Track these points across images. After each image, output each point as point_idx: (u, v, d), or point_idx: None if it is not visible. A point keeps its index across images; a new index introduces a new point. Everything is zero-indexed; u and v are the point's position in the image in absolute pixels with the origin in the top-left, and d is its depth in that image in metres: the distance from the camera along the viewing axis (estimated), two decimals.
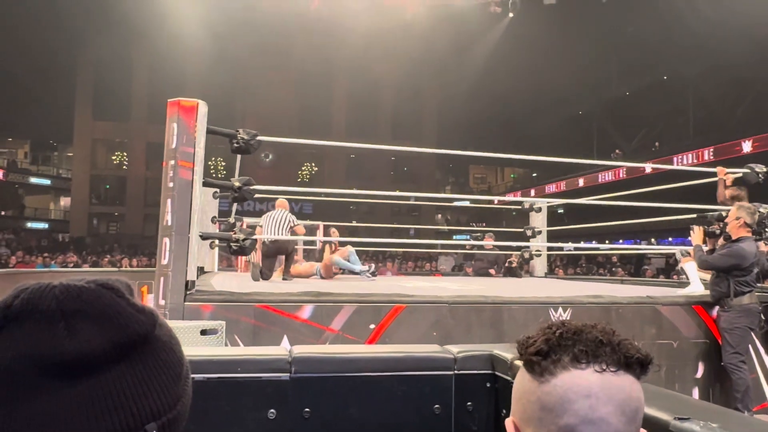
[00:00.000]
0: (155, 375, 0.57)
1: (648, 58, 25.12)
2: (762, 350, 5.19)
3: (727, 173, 5.86)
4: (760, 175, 5.80)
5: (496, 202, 21.46)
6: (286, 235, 6.95)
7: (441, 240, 17.81)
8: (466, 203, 29.89)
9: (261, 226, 7.23)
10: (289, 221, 7.05)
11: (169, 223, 4.16)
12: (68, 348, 0.52)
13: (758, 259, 4.99)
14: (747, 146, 17.93)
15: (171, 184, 4.19)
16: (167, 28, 24.97)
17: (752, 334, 5.00)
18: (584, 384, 0.68)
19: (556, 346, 0.71)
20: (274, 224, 6.99)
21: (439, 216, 36.15)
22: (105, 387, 0.53)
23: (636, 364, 0.70)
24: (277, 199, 7.64)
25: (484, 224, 28.62)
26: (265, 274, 6.89)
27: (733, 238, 5.01)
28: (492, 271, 9.93)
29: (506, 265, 9.86)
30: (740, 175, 5.97)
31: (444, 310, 4.59)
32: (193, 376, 1.67)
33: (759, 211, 5.15)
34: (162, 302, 4.09)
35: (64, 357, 0.52)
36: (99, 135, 32.63)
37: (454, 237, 27.42)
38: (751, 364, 5.04)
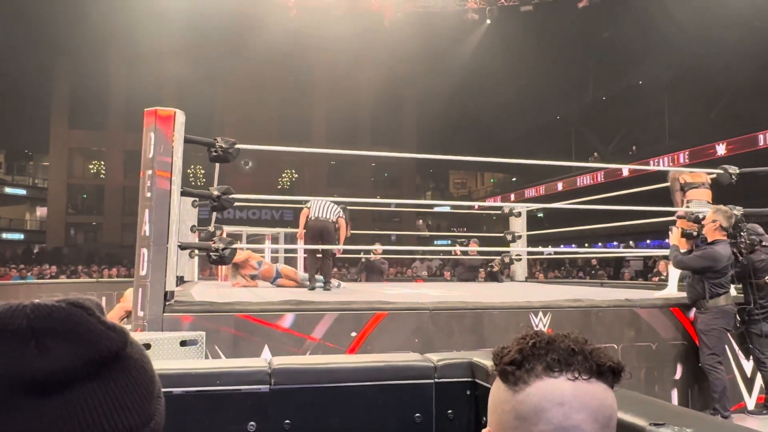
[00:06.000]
0: (127, 393, 0.57)
1: (624, 63, 25.49)
2: (738, 351, 5.28)
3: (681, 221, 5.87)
4: (733, 177, 5.91)
5: (476, 207, 21.56)
6: (333, 212, 6.64)
7: (422, 246, 17.83)
8: (447, 209, 29.98)
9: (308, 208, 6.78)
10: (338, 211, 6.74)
11: (147, 234, 4.12)
12: (39, 366, 0.52)
13: (732, 261, 5.08)
14: (721, 149, 18.24)
15: (148, 194, 4.16)
16: (145, 36, 24.78)
17: (728, 335, 5.08)
18: (557, 392, 0.69)
19: (529, 356, 0.72)
20: (323, 206, 6.67)
21: (420, 222, 36.24)
22: (76, 405, 0.53)
23: (608, 372, 0.71)
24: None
25: (465, 229, 28.76)
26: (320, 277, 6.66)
27: (709, 240, 5.09)
28: (481, 274, 10.08)
29: (487, 269, 9.93)
30: (715, 176, 6.08)
31: (425, 316, 4.60)
32: (171, 390, 1.65)
33: (734, 215, 5.24)
34: (141, 313, 4.04)
35: (35, 375, 0.52)
36: (75, 144, 32.22)
37: (435, 242, 27.50)
38: (727, 365, 5.11)
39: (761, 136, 17.58)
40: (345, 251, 8.17)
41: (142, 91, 23.00)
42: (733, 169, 5.96)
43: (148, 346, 3.31)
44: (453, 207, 27.36)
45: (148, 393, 0.59)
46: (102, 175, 33.05)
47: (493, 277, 9.76)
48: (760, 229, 5.37)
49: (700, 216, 5.49)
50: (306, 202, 6.96)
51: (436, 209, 32.65)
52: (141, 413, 0.57)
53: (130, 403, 0.56)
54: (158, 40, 24.73)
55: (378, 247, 10.30)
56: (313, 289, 6.56)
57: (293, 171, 33.80)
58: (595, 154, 28.87)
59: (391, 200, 25.74)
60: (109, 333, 0.57)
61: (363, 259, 11.29)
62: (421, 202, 32.53)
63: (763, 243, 5.29)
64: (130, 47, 26.26)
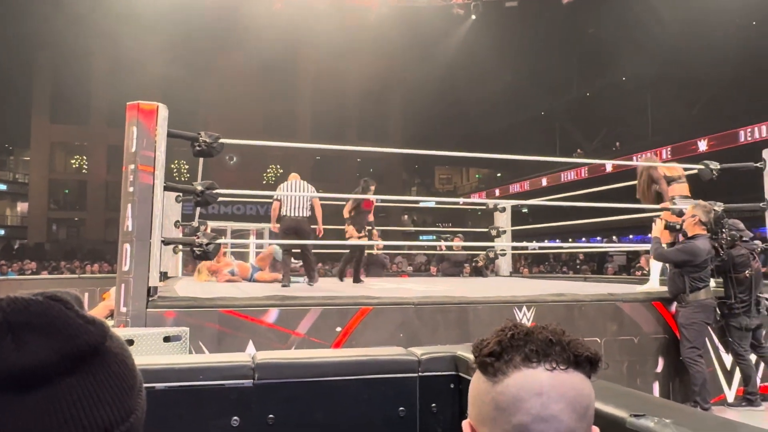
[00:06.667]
0: (107, 387, 0.56)
1: (607, 60, 25.65)
2: (718, 344, 5.35)
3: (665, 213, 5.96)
4: (714, 172, 5.98)
5: (461, 202, 21.62)
6: (305, 208, 6.50)
7: (407, 241, 17.87)
8: (432, 204, 30.04)
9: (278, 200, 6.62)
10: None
11: (130, 229, 4.09)
12: (16, 361, 0.51)
13: (712, 256, 5.14)
14: (702, 145, 18.46)
15: (131, 189, 4.12)
16: (128, 30, 24.50)
17: (709, 328, 5.15)
18: (535, 382, 0.70)
19: (508, 347, 0.72)
20: (296, 202, 6.50)
21: (406, 217, 36.27)
22: (55, 400, 0.52)
23: (586, 362, 0.72)
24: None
25: (450, 225, 28.81)
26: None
27: (689, 235, 5.15)
28: (466, 269, 10.14)
29: (472, 264, 9.98)
30: (696, 171, 6.16)
31: (410, 311, 4.61)
32: (154, 385, 1.65)
33: (714, 210, 5.30)
34: (123, 309, 4.01)
35: (12, 370, 0.51)
36: (57, 138, 31.84)
37: (421, 238, 27.55)
38: (708, 358, 5.18)
39: (742, 133, 17.80)
40: (346, 246, 8.23)
41: (125, 86, 22.77)
42: (714, 165, 6.03)
43: (131, 342, 3.28)
44: (438, 202, 27.41)
45: (129, 387, 0.59)
46: (84, 170, 32.70)
47: (478, 272, 9.81)
48: (741, 225, 5.44)
49: (683, 210, 5.56)
50: (277, 192, 6.84)
51: (421, 204, 32.72)
52: (121, 408, 0.57)
53: (109, 397, 0.56)
54: (141, 34, 24.48)
55: (379, 242, 10.37)
56: (287, 286, 6.46)
57: (278, 166, 33.67)
58: (579, 149, 29.05)
59: (377, 196, 25.72)
60: (88, 327, 0.57)
61: (365, 254, 11.38)
62: (406, 198, 32.56)
63: (744, 238, 5.36)
64: (112, 41, 25.95)
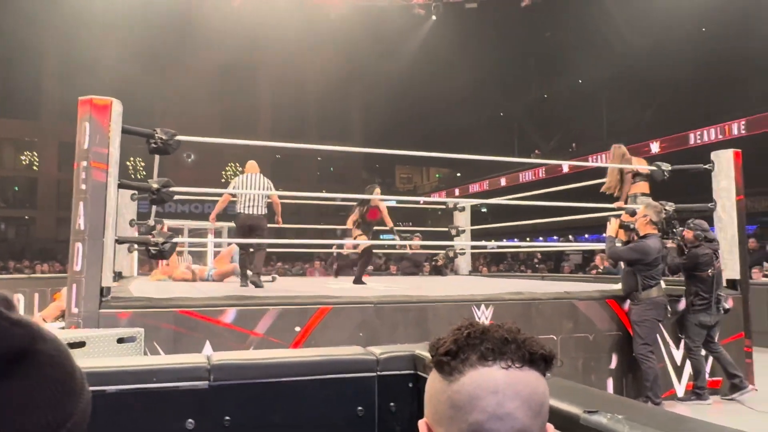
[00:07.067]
0: (39, 391, 0.54)
1: (564, 63, 26.15)
2: (669, 340, 5.51)
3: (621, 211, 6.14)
4: (665, 173, 6.16)
5: (421, 202, 21.73)
6: (261, 205, 6.26)
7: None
8: (393, 203, 30.10)
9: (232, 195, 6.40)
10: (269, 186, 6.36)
11: (82, 228, 3.98)
12: None
13: (663, 255, 5.30)
14: (655, 147, 18.97)
15: (83, 187, 4.01)
16: (80, 24, 23.82)
17: (660, 325, 5.30)
18: (491, 381, 0.70)
19: (464, 346, 0.73)
20: (252, 200, 6.25)
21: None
22: None
23: (540, 360, 0.73)
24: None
25: (410, 224, 28.92)
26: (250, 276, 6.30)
27: (641, 234, 5.30)
28: (426, 268, 10.20)
29: (432, 263, 10.05)
30: (648, 172, 6.33)
31: (370, 310, 4.61)
32: (105, 388, 1.60)
33: (665, 210, 5.46)
34: (75, 310, 3.91)
35: None
36: (5, 134, 30.72)
37: (381, 237, 27.56)
38: (659, 354, 5.34)
39: (692, 135, 18.37)
40: (317, 246, 8.16)
41: (79, 82, 22.10)
42: (666, 166, 6.21)
43: (82, 344, 3.20)
44: (399, 201, 27.48)
45: (66, 390, 0.56)
46: (35, 167, 31.66)
47: (437, 271, 9.88)
48: (706, 225, 5.63)
49: (637, 210, 5.71)
50: (231, 186, 6.63)
51: None
52: (56, 412, 0.54)
53: (42, 402, 0.54)
54: (95, 27, 23.83)
55: (349, 241, 10.35)
56: (245, 285, 6.33)
57: (237, 164, 33.22)
58: (537, 150, 29.54)
59: (338, 194, 25.65)
60: (13, 329, 0.54)
61: (335, 254, 11.41)
62: (367, 197, 32.52)
63: (708, 238, 5.54)
64: (66, 37, 25.18)
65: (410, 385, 1.84)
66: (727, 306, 5.44)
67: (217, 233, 11.96)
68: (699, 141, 18.02)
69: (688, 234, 5.54)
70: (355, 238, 7.53)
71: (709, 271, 5.42)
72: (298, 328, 4.36)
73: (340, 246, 10.46)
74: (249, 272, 6.55)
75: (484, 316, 4.85)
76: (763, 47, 17.17)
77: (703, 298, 5.39)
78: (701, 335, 5.38)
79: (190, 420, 1.61)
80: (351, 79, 31.74)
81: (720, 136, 17.26)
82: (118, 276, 7.36)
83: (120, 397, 1.57)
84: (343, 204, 25.98)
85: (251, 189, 6.29)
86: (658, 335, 5.32)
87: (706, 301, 5.37)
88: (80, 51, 25.76)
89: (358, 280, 7.32)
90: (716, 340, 5.47)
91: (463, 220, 9.36)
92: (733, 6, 18.05)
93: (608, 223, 5.77)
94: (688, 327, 5.41)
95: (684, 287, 5.61)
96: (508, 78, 28.91)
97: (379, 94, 30.83)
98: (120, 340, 3.51)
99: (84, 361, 2.23)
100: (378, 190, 7.49)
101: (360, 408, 1.77)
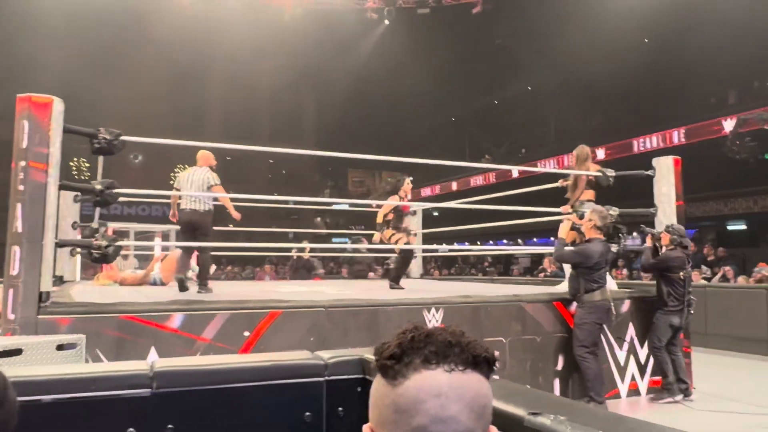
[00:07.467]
0: None
1: (514, 69, 26.64)
2: (613, 342, 5.67)
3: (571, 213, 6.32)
4: (610, 179, 6.35)
5: (374, 205, 21.72)
6: (204, 201, 5.93)
7: (320, 243, 17.82)
8: (345, 206, 30.05)
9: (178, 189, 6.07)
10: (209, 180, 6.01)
11: (20, 230, 3.82)
12: None
13: (607, 259, 5.44)
14: (601, 153, 19.50)
15: (21, 187, 3.86)
16: (19, 17, 22.91)
17: (604, 327, 5.44)
18: (434, 384, 0.70)
19: (408, 350, 0.72)
20: (192, 187, 5.95)
21: (318, 219, 36.06)
22: None
23: (483, 363, 0.73)
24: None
25: (363, 227, 28.93)
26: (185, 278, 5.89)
27: (586, 238, 5.44)
28: (371, 274, 10.16)
29: (383, 266, 10.07)
30: (593, 178, 6.50)
31: (321, 314, 4.58)
32: (39, 397, 1.53)
33: (610, 215, 5.61)
34: (11, 316, 3.75)
35: None
36: None
37: (333, 240, 27.50)
38: (603, 355, 5.48)
39: (635, 142, 18.99)
40: (274, 249, 8.00)
41: (20, 81, 21.25)
42: (611, 172, 6.40)
43: (19, 351, 3.06)
44: (351, 205, 27.45)
45: None
46: None
47: (389, 274, 9.89)
48: (684, 231, 5.83)
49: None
50: (177, 180, 6.33)
51: (334, 207, 32.65)
52: None
53: None
54: (38, 26, 22.96)
55: (307, 245, 10.36)
56: (185, 290, 5.86)
57: (186, 166, 32.48)
58: (487, 155, 29.99)
59: (290, 197, 25.45)
60: None
61: (294, 257, 11.41)
62: (320, 200, 32.41)
63: (683, 244, 5.73)
64: (4, 31, 24.16)
65: (359, 389, 1.83)
66: (692, 310, 5.69)
67: (165, 236, 11.70)
68: (642, 148, 18.63)
69: (665, 238, 5.75)
70: (389, 238, 6.91)
71: (681, 273, 5.63)
72: (247, 333, 4.30)
73: (301, 249, 10.49)
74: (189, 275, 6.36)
75: (434, 319, 4.88)
76: (700, 57, 17.90)
77: (676, 300, 5.59)
78: (668, 336, 5.59)
79: (130, 429, 1.56)
80: (303, 81, 31.58)
81: (662, 144, 17.90)
82: (59, 280, 7.11)
83: (57, 407, 1.51)
84: (295, 207, 25.81)
85: (192, 184, 6.03)
86: (601, 337, 5.46)
87: (679, 303, 5.58)
88: (22, 49, 24.76)
89: (395, 284, 6.85)
90: (677, 344, 5.69)
91: (415, 223, 9.42)
92: (673, 17, 18.77)
93: (561, 225, 5.88)
94: (659, 326, 5.61)
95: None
96: (460, 83, 29.26)
97: (331, 97, 30.74)
98: (60, 347, 3.38)
99: (19, 369, 2.14)
100: (408, 180, 7.11)
101: (308, 413, 1.76)
